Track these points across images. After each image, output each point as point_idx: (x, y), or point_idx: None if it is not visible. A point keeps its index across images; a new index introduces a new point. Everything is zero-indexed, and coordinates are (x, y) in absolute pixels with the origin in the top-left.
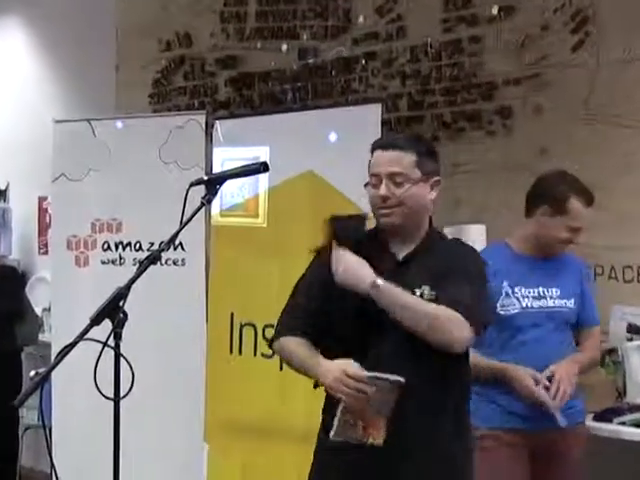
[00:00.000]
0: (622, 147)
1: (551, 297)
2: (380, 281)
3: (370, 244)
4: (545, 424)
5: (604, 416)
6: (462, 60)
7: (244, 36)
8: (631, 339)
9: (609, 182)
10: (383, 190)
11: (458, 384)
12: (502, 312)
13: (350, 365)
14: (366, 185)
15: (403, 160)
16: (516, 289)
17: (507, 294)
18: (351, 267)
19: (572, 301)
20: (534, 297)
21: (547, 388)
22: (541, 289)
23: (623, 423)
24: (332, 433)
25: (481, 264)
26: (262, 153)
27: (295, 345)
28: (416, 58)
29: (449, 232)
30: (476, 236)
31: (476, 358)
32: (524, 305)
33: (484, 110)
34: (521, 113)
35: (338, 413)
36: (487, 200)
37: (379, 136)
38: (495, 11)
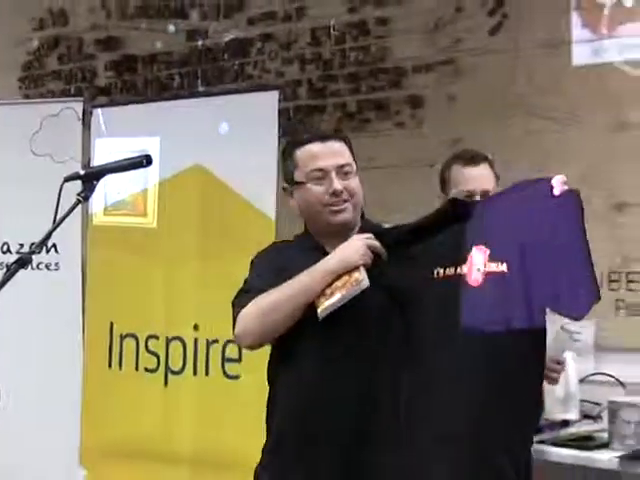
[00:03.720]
0: (545, 142)
1: None
2: None
3: (303, 250)
4: None
5: None
6: (368, 43)
7: (127, 14)
8: None
9: None
10: (337, 184)
11: None
12: None
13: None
14: (292, 186)
15: (345, 150)
16: None
17: None
18: None
19: None
20: None
21: None
22: None
23: (542, 442)
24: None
25: None
26: (152, 145)
27: (264, 294)
28: (317, 41)
29: None
30: None
31: None
32: None
33: (392, 99)
34: (433, 103)
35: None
36: (398, 200)
37: (275, 127)
38: None
